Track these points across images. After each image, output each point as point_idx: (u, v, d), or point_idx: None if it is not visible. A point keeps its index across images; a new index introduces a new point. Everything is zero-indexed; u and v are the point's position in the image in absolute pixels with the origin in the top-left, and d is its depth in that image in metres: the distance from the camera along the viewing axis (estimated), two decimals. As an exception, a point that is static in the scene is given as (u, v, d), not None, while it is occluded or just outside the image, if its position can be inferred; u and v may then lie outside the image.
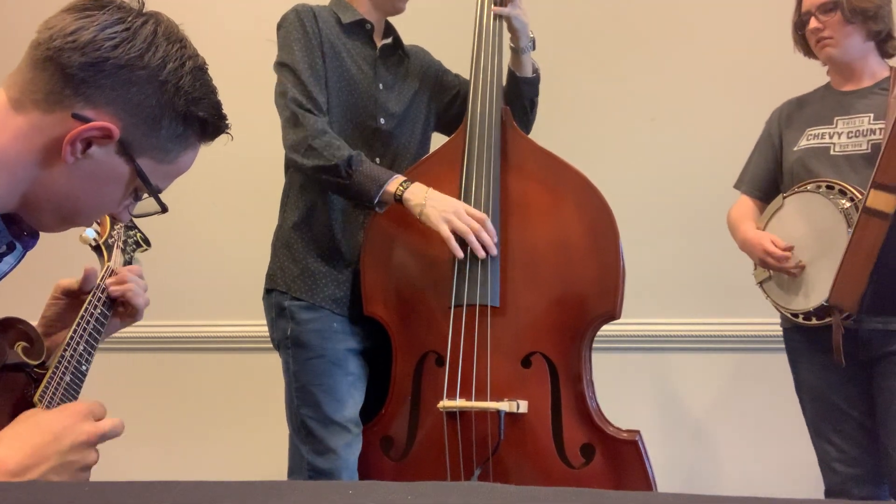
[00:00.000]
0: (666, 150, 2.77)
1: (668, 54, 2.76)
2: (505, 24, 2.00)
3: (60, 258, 2.45)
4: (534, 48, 2.06)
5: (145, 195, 1.04)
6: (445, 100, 2.17)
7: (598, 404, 1.90)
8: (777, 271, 2.06)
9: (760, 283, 2.15)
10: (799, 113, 2.19)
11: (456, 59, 2.18)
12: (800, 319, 2.03)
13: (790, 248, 2.02)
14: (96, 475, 0.94)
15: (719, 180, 2.74)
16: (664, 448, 2.70)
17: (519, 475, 1.82)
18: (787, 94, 2.63)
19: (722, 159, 2.73)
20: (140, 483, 0.65)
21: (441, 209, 1.80)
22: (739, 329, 2.73)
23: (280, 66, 1.94)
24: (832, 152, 2.05)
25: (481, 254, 1.81)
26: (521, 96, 2.08)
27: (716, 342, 2.75)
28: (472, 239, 1.80)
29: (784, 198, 2.09)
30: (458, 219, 1.79)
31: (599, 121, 2.79)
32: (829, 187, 1.98)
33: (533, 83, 2.09)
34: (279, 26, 1.97)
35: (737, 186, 2.30)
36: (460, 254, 1.80)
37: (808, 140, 2.11)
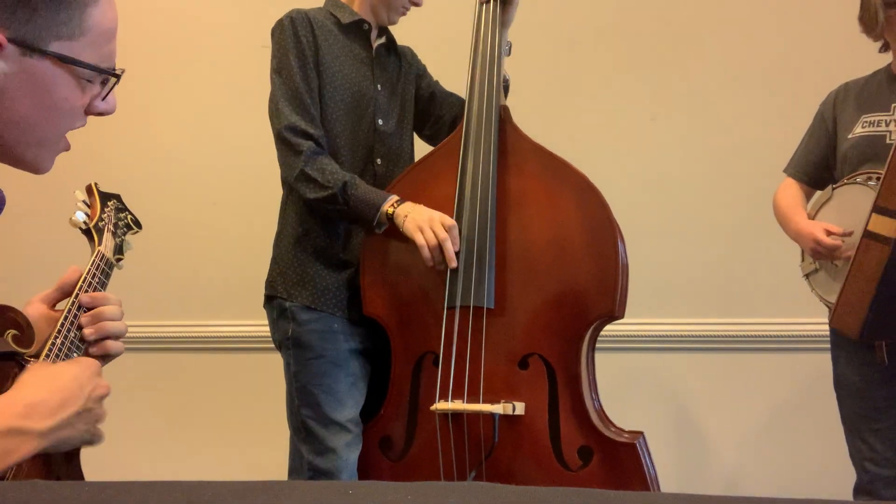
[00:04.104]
0: (666, 150, 2.77)
1: (669, 54, 2.76)
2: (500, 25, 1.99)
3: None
4: (509, 53, 2.07)
5: (99, 79, 0.96)
6: (418, 100, 2.20)
7: (601, 405, 1.90)
8: (828, 259, 1.99)
9: (807, 276, 2.09)
10: (854, 98, 2.10)
11: (455, 57, 2.18)
12: None
13: (849, 234, 1.94)
14: (96, 476, 0.94)
15: (719, 180, 2.75)
16: (664, 448, 2.70)
17: (515, 477, 1.81)
18: (787, 94, 2.63)
19: (722, 159, 2.74)
20: (140, 483, 0.65)
21: (417, 220, 1.86)
22: (739, 329, 2.73)
23: (275, 75, 1.96)
24: (888, 140, 1.97)
25: (428, 262, 1.84)
26: None
27: (716, 342, 2.75)
28: (436, 253, 1.84)
29: (833, 189, 2.03)
30: (430, 228, 1.85)
31: (599, 120, 2.79)
32: (880, 180, 1.90)
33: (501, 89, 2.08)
34: (273, 33, 1.98)
35: (785, 170, 2.22)
36: (430, 262, 1.85)
37: (863, 127, 2.03)
